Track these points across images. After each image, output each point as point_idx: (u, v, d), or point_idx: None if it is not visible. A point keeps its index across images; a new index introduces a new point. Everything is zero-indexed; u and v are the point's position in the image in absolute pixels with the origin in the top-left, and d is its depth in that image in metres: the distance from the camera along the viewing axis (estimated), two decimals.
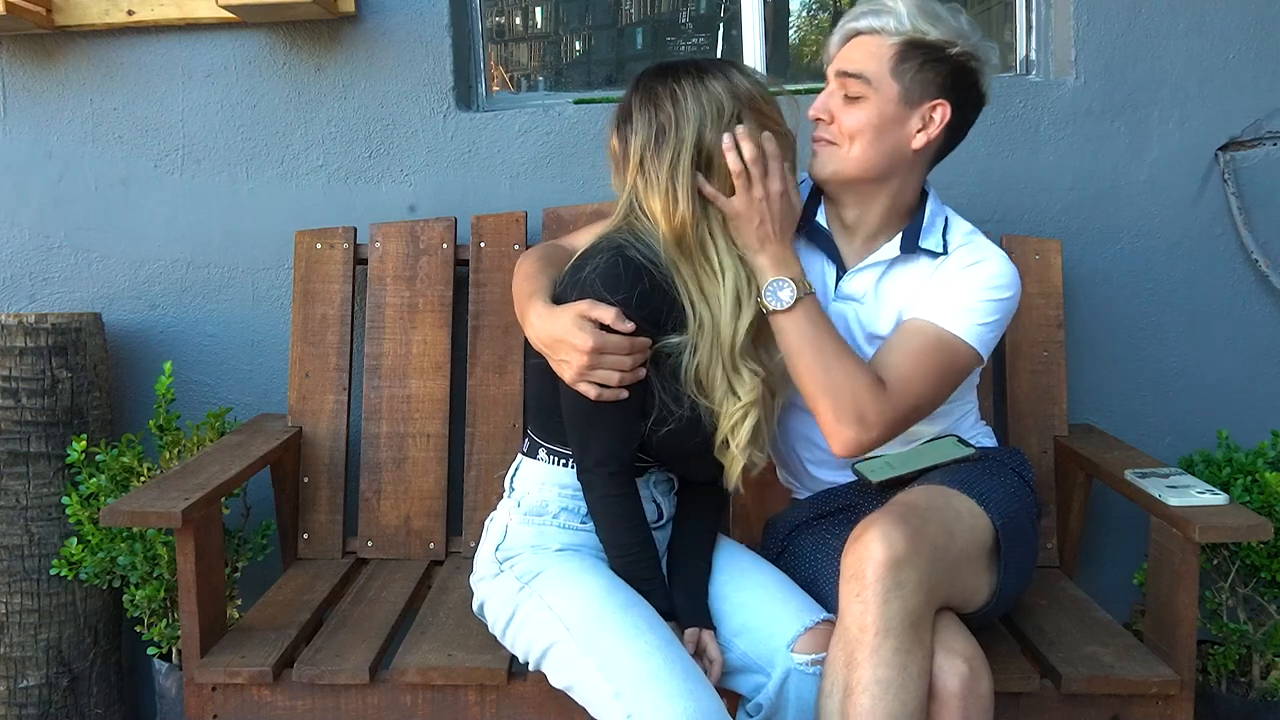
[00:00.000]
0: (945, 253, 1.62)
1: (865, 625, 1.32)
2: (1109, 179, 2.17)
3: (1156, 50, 2.15)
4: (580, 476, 1.51)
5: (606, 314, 1.41)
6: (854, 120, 1.58)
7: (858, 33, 1.59)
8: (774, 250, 1.50)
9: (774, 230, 1.49)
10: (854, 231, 1.66)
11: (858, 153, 1.58)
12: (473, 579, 1.62)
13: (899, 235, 1.64)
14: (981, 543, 1.47)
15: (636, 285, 1.44)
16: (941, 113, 1.58)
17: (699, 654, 1.45)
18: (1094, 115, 2.16)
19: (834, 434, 1.49)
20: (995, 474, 1.61)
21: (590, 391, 1.42)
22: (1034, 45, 2.28)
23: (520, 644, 1.51)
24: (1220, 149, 2.15)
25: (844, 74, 1.58)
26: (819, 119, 1.61)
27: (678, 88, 1.46)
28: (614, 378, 1.41)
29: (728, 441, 1.49)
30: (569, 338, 1.41)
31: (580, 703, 1.41)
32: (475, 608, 1.62)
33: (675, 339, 1.46)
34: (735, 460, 1.49)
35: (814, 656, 1.41)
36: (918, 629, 1.33)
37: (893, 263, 1.64)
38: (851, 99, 1.58)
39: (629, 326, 1.42)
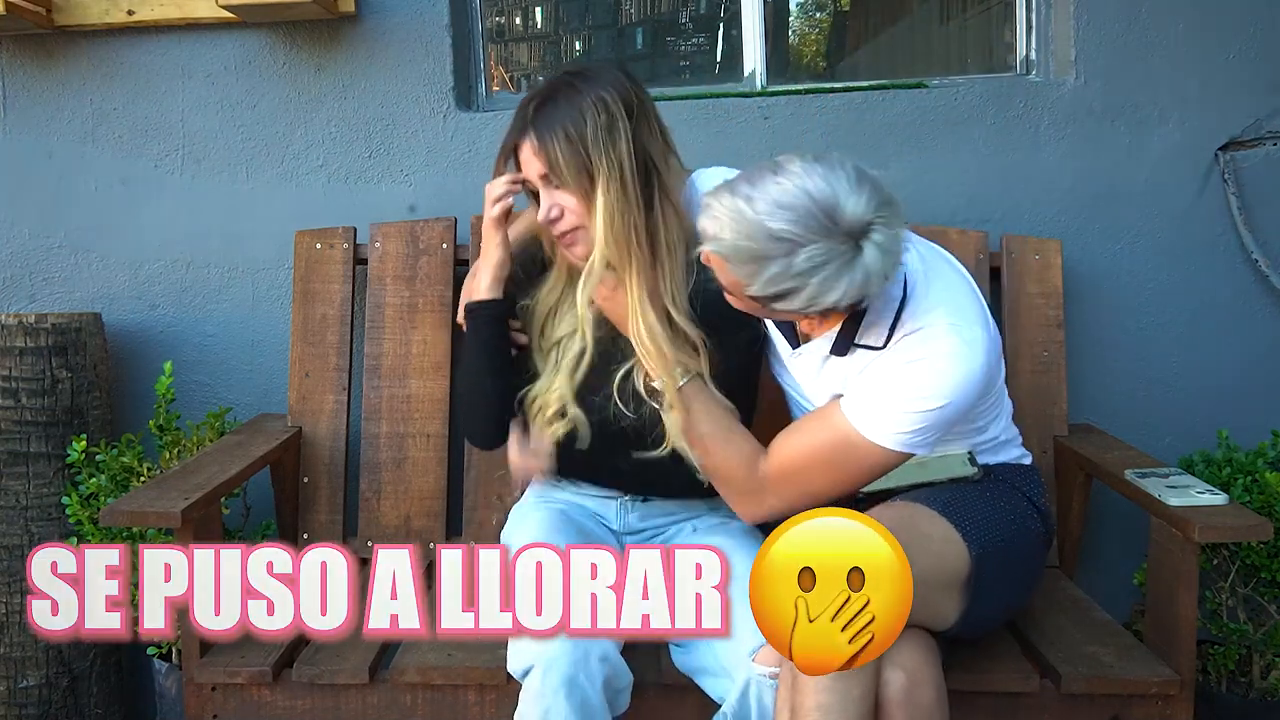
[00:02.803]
0: (884, 347, 1.44)
1: None
2: (1109, 179, 2.17)
3: (1156, 50, 2.14)
4: None
5: None
6: (733, 302, 1.45)
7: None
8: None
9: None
10: None
11: None
12: None
13: (837, 329, 1.48)
14: (950, 569, 1.43)
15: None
16: (819, 318, 1.45)
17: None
18: (1094, 115, 2.16)
19: (735, 508, 1.54)
20: (996, 498, 1.55)
21: None
22: (1034, 45, 2.27)
23: None
24: (1220, 149, 2.15)
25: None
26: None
27: None
28: None
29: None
30: None
31: None
32: None
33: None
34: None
35: (773, 670, 1.40)
36: None
37: (826, 358, 1.52)
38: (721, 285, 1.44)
39: None
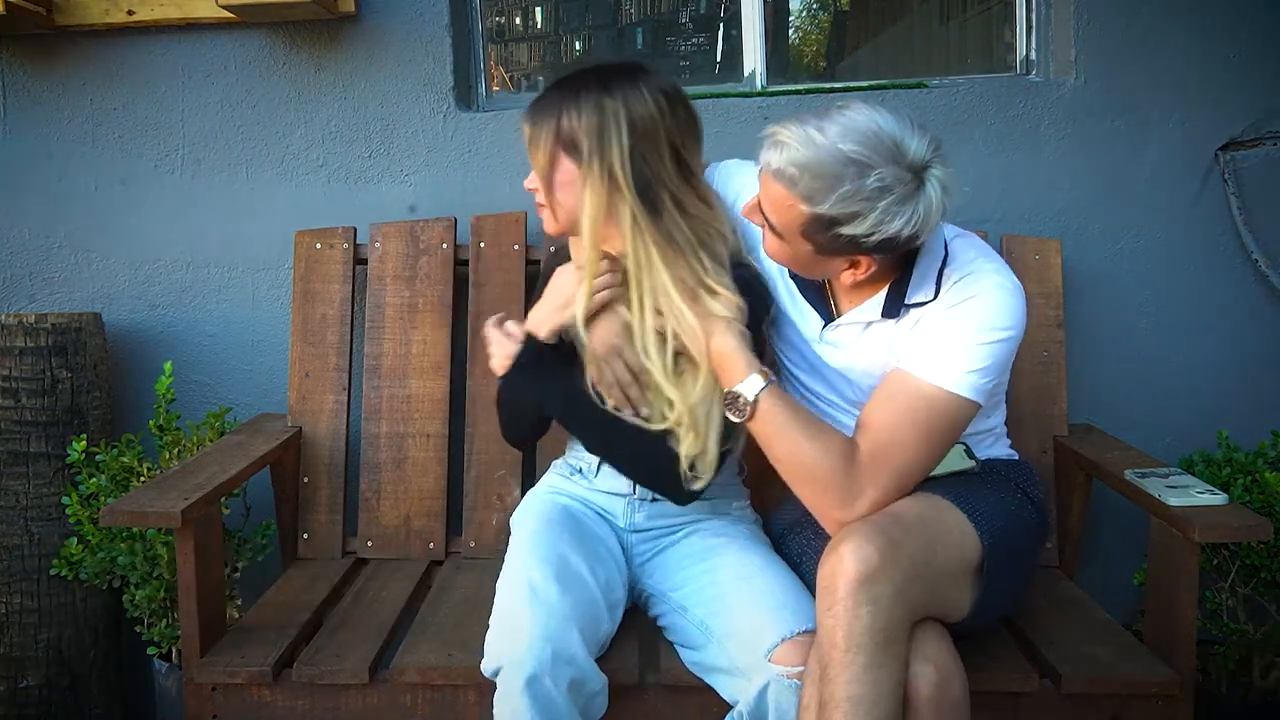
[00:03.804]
0: (935, 299, 1.48)
1: (836, 641, 1.30)
2: (1109, 179, 2.17)
3: (1156, 50, 2.14)
4: None
5: None
6: (773, 249, 1.50)
7: (765, 170, 1.41)
8: (715, 366, 1.47)
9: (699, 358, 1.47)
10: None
11: (791, 268, 1.56)
12: None
13: (884, 292, 1.52)
14: (966, 560, 1.44)
15: None
16: (867, 263, 1.45)
17: None
18: (1094, 115, 2.16)
19: (822, 518, 1.44)
20: (998, 490, 1.56)
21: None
22: (1034, 45, 2.27)
23: None
24: (1220, 149, 2.15)
25: (761, 209, 1.46)
26: (751, 220, 1.51)
27: None
28: None
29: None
30: None
31: None
32: None
33: None
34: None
35: (791, 669, 1.40)
36: (890, 644, 1.31)
37: (873, 323, 1.55)
38: (769, 229, 1.47)
39: None
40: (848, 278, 1.48)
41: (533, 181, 1.56)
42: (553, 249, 2.07)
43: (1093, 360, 2.19)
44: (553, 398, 1.57)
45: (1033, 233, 2.15)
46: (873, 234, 1.36)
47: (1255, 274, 2.17)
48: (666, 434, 1.49)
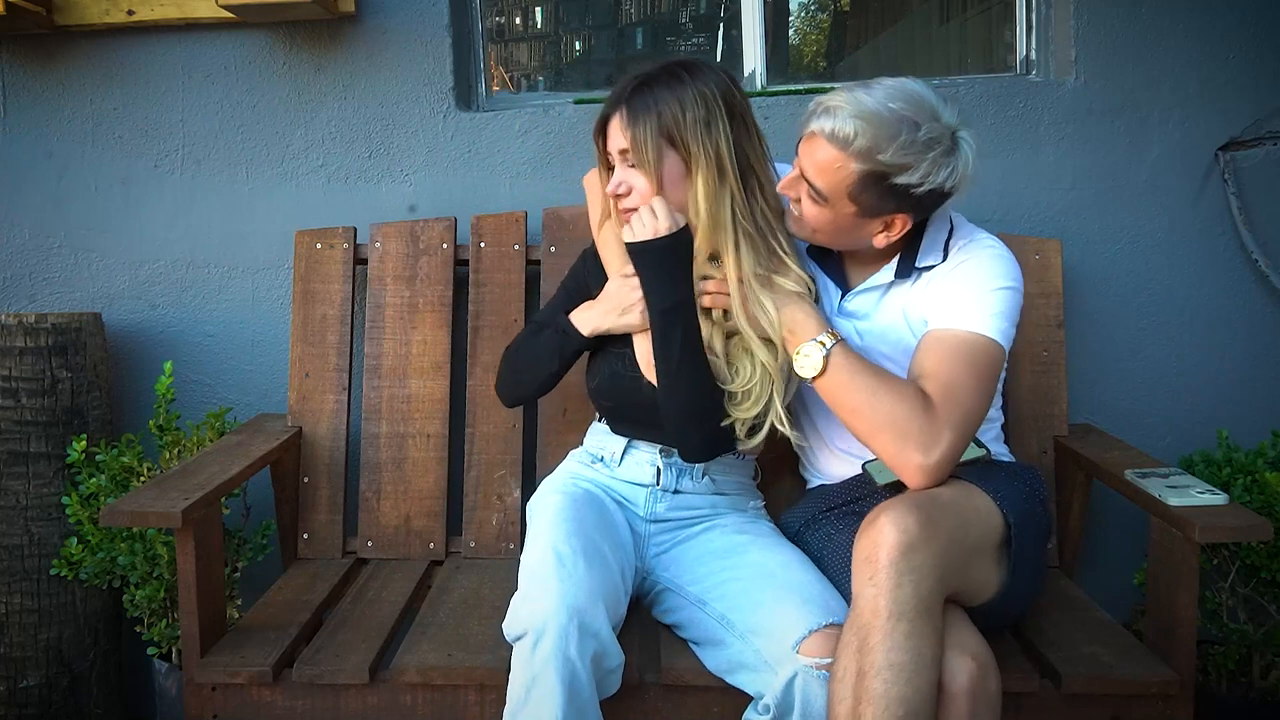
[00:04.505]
0: (944, 261, 1.62)
1: (878, 609, 1.32)
2: (1109, 179, 2.17)
3: (1156, 50, 2.15)
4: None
5: None
6: (812, 216, 1.57)
7: (818, 134, 1.51)
8: (786, 334, 1.55)
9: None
10: (858, 252, 1.68)
11: (821, 239, 1.63)
12: None
13: (897, 258, 1.64)
14: (994, 540, 1.48)
15: None
16: (902, 222, 1.56)
17: None
18: (1094, 115, 2.16)
19: (902, 467, 1.46)
20: (1010, 478, 1.60)
21: None
22: (1034, 45, 2.28)
23: None
24: (1220, 149, 2.15)
25: (804, 177, 1.55)
26: (787, 194, 1.60)
27: None
28: None
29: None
30: None
31: None
32: None
33: None
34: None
35: (820, 660, 1.40)
36: (930, 614, 1.34)
37: (890, 285, 1.65)
38: (812, 196, 1.55)
39: None
40: (881, 240, 1.58)
41: (620, 186, 1.57)
42: (552, 248, 2.08)
43: (1093, 360, 2.19)
44: (667, 296, 1.55)
45: (1032, 233, 2.15)
46: (922, 184, 1.48)
47: (1255, 274, 2.17)
48: (725, 393, 1.56)
